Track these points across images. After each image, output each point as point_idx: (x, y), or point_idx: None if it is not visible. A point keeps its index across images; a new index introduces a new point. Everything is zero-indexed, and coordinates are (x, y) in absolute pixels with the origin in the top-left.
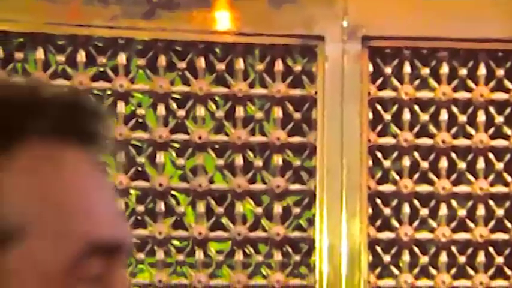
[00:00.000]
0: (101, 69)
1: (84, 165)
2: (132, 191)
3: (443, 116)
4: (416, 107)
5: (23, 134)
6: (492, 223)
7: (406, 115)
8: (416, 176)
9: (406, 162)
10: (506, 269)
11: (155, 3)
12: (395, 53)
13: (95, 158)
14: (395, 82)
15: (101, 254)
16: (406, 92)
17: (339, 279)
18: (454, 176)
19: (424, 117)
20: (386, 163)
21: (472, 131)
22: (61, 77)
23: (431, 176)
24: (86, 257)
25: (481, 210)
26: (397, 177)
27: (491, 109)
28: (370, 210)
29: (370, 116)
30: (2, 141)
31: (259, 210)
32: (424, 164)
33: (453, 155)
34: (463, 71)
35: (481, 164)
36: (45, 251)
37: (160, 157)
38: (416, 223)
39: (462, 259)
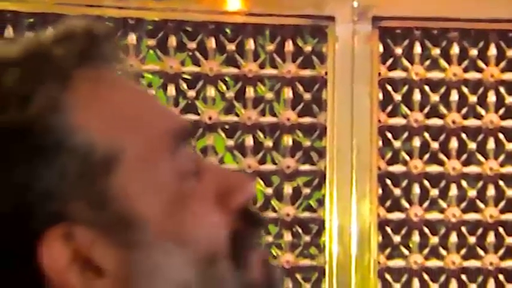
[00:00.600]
0: None
1: (128, 79)
2: None
3: (454, 96)
4: (427, 88)
5: (69, 69)
6: (502, 203)
7: (417, 95)
8: (426, 156)
9: (416, 142)
10: None
11: None
12: (406, 33)
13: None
14: (406, 63)
15: (184, 140)
16: (417, 72)
17: (348, 259)
18: (464, 157)
19: (435, 97)
20: (397, 144)
21: (482, 111)
22: None
23: (442, 156)
24: (179, 150)
25: (491, 191)
26: (407, 158)
27: (502, 89)
28: (380, 191)
29: (380, 96)
30: (58, 80)
31: (269, 190)
32: (434, 145)
33: (463, 135)
34: (474, 52)
35: (491, 144)
36: (144, 162)
37: None
38: (426, 204)
39: (472, 239)
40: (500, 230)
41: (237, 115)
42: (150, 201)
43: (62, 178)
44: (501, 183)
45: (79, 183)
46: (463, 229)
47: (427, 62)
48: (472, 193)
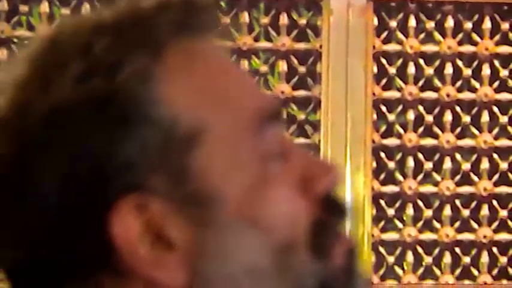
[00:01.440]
0: None
1: (220, 52)
2: None
3: (448, 69)
4: (421, 61)
5: (162, 39)
6: (496, 176)
7: (411, 69)
8: (420, 129)
9: (411, 115)
10: (509, 222)
11: None
12: (400, 6)
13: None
14: (400, 36)
15: (272, 121)
16: (411, 45)
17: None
18: (458, 130)
19: (429, 70)
20: (391, 117)
21: (476, 84)
22: None
23: (436, 129)
24: (265, 131)
25: (485, 164)
26: (401, 131)
27: (496, 63)
28: (374, 164)
29: (375, 69)
30: (149, 50)
31: None
32: (429, 118)
33: (457, 108)
34: (468, 25)
35: (485, 117)
36: (228, 141)
37: None
38: (420, 177)
39: (466, 212)
40: (494, 203)
41: None
42: (231, 181)
43: (142, 150)
44: (495, 156)
45: (160, 157)
46: (457, 202)
47: (422, 35)
48: (466, 166)
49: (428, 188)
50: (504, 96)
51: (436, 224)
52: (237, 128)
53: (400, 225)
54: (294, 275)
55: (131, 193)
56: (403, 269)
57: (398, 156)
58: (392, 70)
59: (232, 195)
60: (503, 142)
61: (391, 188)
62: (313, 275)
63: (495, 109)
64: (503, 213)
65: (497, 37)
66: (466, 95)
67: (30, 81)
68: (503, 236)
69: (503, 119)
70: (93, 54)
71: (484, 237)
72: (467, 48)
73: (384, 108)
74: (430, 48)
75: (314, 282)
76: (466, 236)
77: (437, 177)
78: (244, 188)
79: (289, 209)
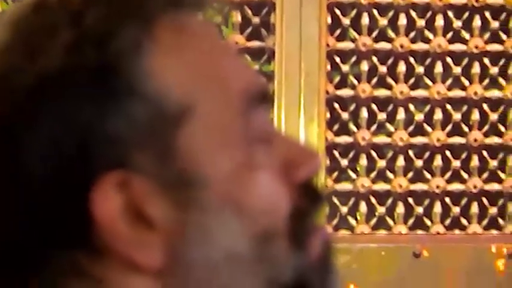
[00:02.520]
0: None
1: (211, 30)
2: None
3: (402, 20)
4: (375, 12)
5: (154, 13)
6: (449, 127)
7: (365, 19)
8: (374, 80)
9: (365, 66)
10: (462, 173)
11: None
12: None
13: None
14: None
15: (259, 103)
16: None
17: None
18: (411, 80)
19: (383, 21)
20: (345, 68)
21: (430, 35)
22: None
23: (389, 80)
24: (252, 110)
25: (438, 115)
26: (355, 82)
27: (450, 13)
28: (328, 115)
29: (329, 20)
30: (141, 23)
31: None
32: (382, 69)
33: (411, 59)
34: None
35: (439, 68)
36: (215, 121)
37: None
38: (374, 127)
39: (419, 163)
40: (447, 153)
41: None
42: (217, 162)
43: (130, 125)
44: (448, 107)
45: (146, 132)
46: (410, 152)
47: None
48: (419, 117)
49: (381, 139)
50: (457, 47)
51: (390, 175)
52: (225, 108)
53: (353, 175)
54: (272, 265)
55: (115, 169)
56: (356, 219)
57: (352, 107)
58: (346, 21)
59: (217, 177)
60: (457, 93)
61: (344, 139)
62: (291, 266)
63: (449, 60)
64: (456, 163)
65: None
66: (420, 46)
67: (16, 46)
68: (455, 187)
69: (457, 70)
70: (85, 23)
71: (437, 187)
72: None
73: (337, 59)
74: None
75: (292, 273)
76: (420, 186)
77: (391, 128)
78: (230, 170)
79: (273, 195)
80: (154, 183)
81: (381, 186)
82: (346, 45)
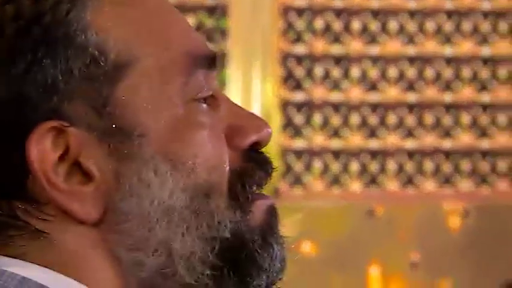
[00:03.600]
0: None
1: None
2: None
3: None
4: None
5: None
6: (404, 84)
7: None
8: (329, 37)
9: (320, 24)
10: (415, 131)
11: None
12: None
13: None
14: None
15: (203, 67)
16: None
17: None
18: (366, 37)
19: None
20: (299, 25)
21: None
22: None
23: (345, 37)
24: (193, 73)
25: (393, 72)
26: (309, 39)
27: None
28: (282, 72)
29: None
30: None
31: None
32: (338, 25)
33: (366, 15)
34: None
35: (393, 25)
36: (156, 77)
37: None
38: (328, 84)
39: (374, 120)
40: (402, 110)
41: None
42: (155, 117)
43: (65, 74)
44: (403, 64)
45: (82, 83)
46: (365, 110)
47: None
48: (373, 73)
49: (336, 96)
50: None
51: (344, 132)
52: (165, 67)
53: (308, 133)
54: (209, 221)
55: (50, 119)
56: (310, 177)
57: (306, 64)
58: None
59: (154, 131)
60: (410, 49)
61: (299, 96)
62: (229, 225)
63: (405, 16)
64: (411, 120)
65: None
66: (375, 1)
67: None
68: (410, 144)
69: (413, 27)
70: None
71: (392, 144)
72: None
73: (292, 16)
74: None
75: (228, 232)
76: (374, 144)
77: (346, 85)
78: (167, 125)
79: (211, 153)
80: (90, 134)
81: (335, 144)
82: (300, 3)
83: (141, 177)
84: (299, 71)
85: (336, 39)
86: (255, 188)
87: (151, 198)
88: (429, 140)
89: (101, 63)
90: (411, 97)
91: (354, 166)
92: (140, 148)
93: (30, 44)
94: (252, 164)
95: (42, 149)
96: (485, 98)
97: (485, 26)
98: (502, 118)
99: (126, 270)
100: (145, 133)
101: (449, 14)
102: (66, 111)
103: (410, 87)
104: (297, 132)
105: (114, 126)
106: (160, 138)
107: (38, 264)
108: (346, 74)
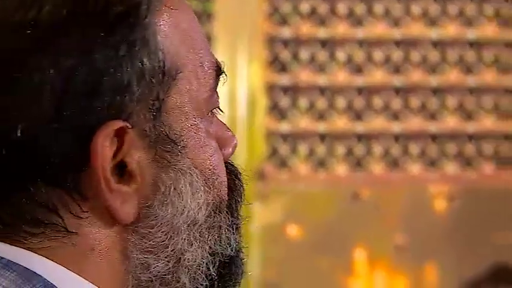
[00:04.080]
0: None
1: (191, 8)
2: None
3: None
4: None
5: None
6: (391, 66)
7: None
8: (315, 20)
9: (305, 7)
10: (403, 113)
11: None
12: None
13: None
14: None
15: (217, 80)
16: None
17: (236, 122)
18: (352, 20)
19: None
20: (285, 8)
21: None
22: None
23: (331, 19)
24: (215, 87)
25: (379, 54)
26: (295, 22)
27: None
28: (268, 55)
29: None
30: None
31: None
32: (323, 8)
33: None
34: None
35: (379, 8)
36: (195, 85)
37: None
38: (315, 67)
39: (360, 102)
40: (388, 93)
41: None
42: (192, 127)
43: (139, 76)
44: (389, 45)
45: (147, 86)
46: (352, 92)
47: None
48: (359, 56)
49: (322, 79)
50: None
51: (330, 115)
52: (200, 78)
53: (293, 116)
54: (217, 236)
55: (118, 118)
56: (296, 160)
57: (292, 47)
58: None
59: (192, 144)
60: (395, 31)
61: (285, 79)
62: (232, 243)
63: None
64: (397, 104)
65: None
66: None
67: None
68: (396, 127)
69: (399, 7)
70: None
71: (378, 127)
72: None
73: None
74: None
75: (230, 249)
76: (360, 127)
77: (332, 68)
78: (200, 139)
79: (221, 167)
80: (142, 137)
81: (321, 126)
82: None
83: (177, 187)
84: (285, 54)
85: (322, 22)
86: (240, 198)
87: (182, 208)
88: (415, 123)
89: (163, 67)
90: (397, 80)
91: (340, 149)
92: (181, 159)
93: (114, 41)
94: (234, 177)
95: (105, 146)
96: (471, 81)
97: (471, 9)
98: (488, 101)
99: (130, 269)
100: (186, 145)
101: None
102: (132, 113)
103: (396, 70)
104: (282, 115)
105: (161, 131)
106: (195, 151)
107: (47, 258)
108: (332, 57)
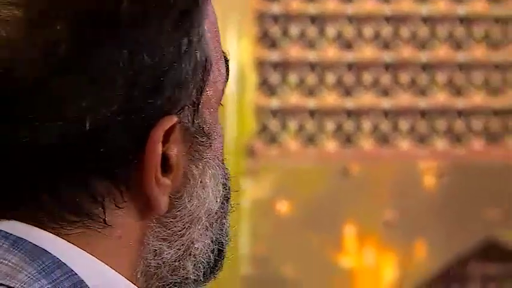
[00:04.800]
0: None
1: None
2: None
3: None
4: None
5: None
6: (380, 42)
7: None
8: None
9: None
10: (393, 88)
11: None
12: None
13: None
14: None
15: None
16: None
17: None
18: None
19: None
20: None
21: None
22: None
23: None
24: (228, 74)
25: (369, 30)
26: None
27: None
28: (258, 31)
29: None
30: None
31: None
32: None
33: None
34: None
35: None
36: (217, 77)
37: None
38: (304, 43)
39: (349, 78)
40: (378, 68)
41: None
42: (215, 120)
43: (194, 72)
44: (380, 22)
45: (197, 81)
46: (341, 69)
47: None
48: (349, 32)
49: (312, 55)
50: None
51: (320, 91)
52: (220, 70)
53: (283, 92)
54: (221, 225)
55: (175, 113)
56: (286, 136)
57: (282, 23)
58: None
59: (213, 134)
60: (384, 8)
61: (274, 55)
62: (227, 230)
63: None
64: (386, 79)
65: None
66: None
67: None
68: (385, 103)
69: None
70: None
71: (367, 103)
72: None
73: None
74: None
75: (226, 237)
76: (349, 103)
77: (321, 44)
78: (218, 128)
79: (222, 163)
80: (183, 131)
81: (311, 102)
82: None
83: (203, 180)
84: (275, 30)
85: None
86: (230, 189)
87: (204, 200)
88: (405, 99)
89: (205, 65)
90: (387, 56)
91: (330, 125)
92: (209, 151)
93: (178, 37)
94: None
95: (158, 142)
96: (461, 56)
97: None
98: (477, 77)
99: (143, 255)
100: (214, 138)
101: None
102: (183, 108)
103: (386, 46)
104: (272, 91)
105: (201, 127)
106: (216, 143)
107: (77, 245)
108: (321, 33)
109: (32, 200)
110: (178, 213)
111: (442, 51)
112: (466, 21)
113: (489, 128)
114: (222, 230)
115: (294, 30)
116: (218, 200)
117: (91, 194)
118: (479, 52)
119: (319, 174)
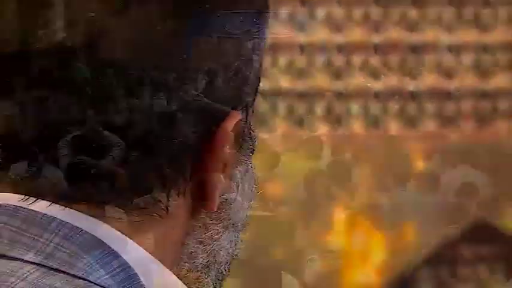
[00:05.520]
0: None
1: None
2: None
3: None
4: None
5: None
6: (369, 25)
7: None
8: None
9: None
10: (381, 71)
11: None
12: None
13: None
14: None
15: None
16: None
17: None
18: None
19: None
20: None
21: None
22: None
23: None
24: None
25: (357, 12)
26: None
27: None
28: None
29: None
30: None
31: None
32: None
33: None
34: None
35: None
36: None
37: None
38: (294, 25)
39: (339, 60)
40: (367, 51)
41: None
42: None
43: (259, 65)
44: (369, 4)
45: (259, 81)
46: (332, 51)
47: None
48: (339, 13)
49: (301, 37)
50: None
51: (310, 73)
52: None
53: (273, 74)
54: (238, 236)
55: (242, 108)
56: (276, 118)
57: (271, 4)
58: None
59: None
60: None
61: None
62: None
63: None
64: (376, 61)
65: None
66: None
67: None
68: (375, 85)
69: None
70: None
71: (356, 85)
72: None
73: None
74: None
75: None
76: (339, 85)
77: (311, 26)
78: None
79: None
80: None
81: (301, 85)
82: None
83: (243, 184)
84: None
85: None
86: None
87: (240, 204)
88: (394, 81)
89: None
90: (376, 38)
91: (319, 108)
92: (249, 158)
93: (256, 32)
94: None
95: (226, 135)
96: (451, 38)
97: None
98: (467, 59)
99: (181, 256)
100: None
101: None
102: (247, 105)
103: (375, 28)
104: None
105: (249, 130)
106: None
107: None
108: (311, 15)
109: (94, 185)
110: (220, 215)
111: (431, 33)
112: (456, 2)
113: (479, 110)
114: (237, 241)
115: (283, 12)
116: (247, 208)
117: (162, 182)
118: (469, 34)
119: (308, 156)
